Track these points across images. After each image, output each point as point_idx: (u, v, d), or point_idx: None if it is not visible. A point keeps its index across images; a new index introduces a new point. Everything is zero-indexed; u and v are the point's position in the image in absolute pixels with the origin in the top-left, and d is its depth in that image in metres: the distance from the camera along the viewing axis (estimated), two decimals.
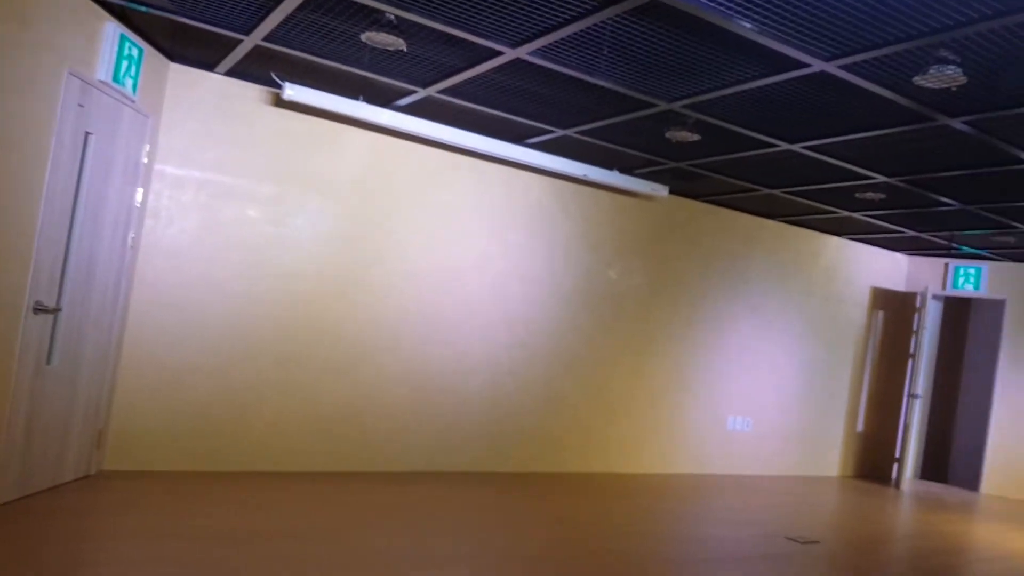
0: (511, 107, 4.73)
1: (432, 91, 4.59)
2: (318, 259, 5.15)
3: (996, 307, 8.15)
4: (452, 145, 5.48)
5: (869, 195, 5.85)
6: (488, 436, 5.86)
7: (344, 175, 5.23)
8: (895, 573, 4.39)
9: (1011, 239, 6.75)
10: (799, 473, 7.67)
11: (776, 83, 3.75)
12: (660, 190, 6.20)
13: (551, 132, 5.21)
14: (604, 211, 6.32)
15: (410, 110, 5.11)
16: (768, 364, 7.38)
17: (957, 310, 8.90)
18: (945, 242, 7.33)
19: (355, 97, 4.96)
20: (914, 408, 7.69)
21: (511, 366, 5.93)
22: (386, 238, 5.38)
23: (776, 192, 6.14)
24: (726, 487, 6.47)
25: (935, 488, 7.97)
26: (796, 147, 4.79)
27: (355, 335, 5.29)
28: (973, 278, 7.98)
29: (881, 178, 5.28)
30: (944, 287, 8.13)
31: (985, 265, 7.94)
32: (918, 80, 3.53)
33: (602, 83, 4.05)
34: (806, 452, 7.71)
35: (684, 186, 6.36)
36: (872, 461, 8.25)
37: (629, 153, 5.50)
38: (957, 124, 4.00)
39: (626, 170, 6.05)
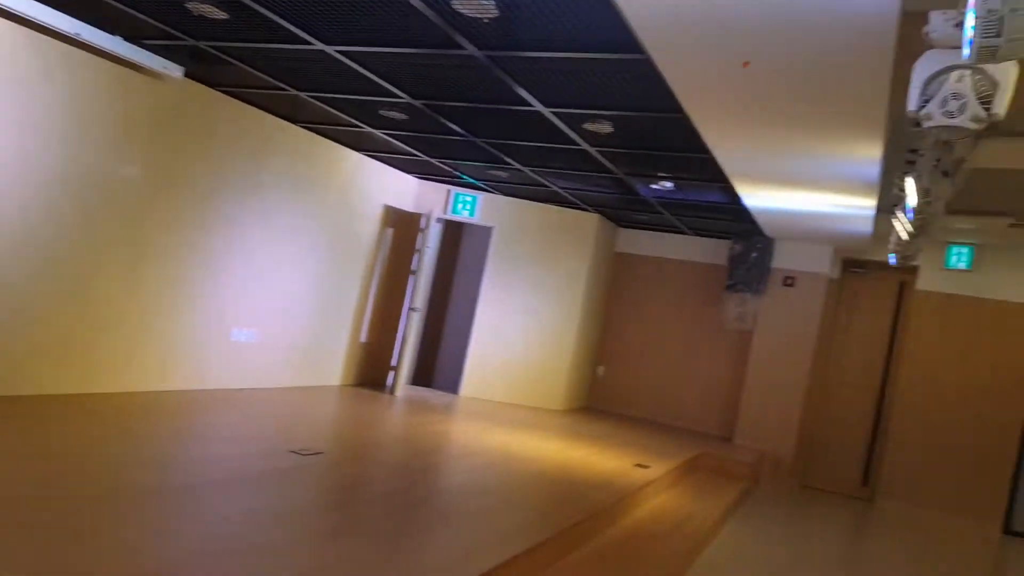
0: None
1: None
2: None
3: (485, 233, 9.24)
4: None
5: (393, 114, 5.94)
6: None
7: None
8: (392, 475, 4.65)
9: (503, 174, 7.62)
10: (304, 384, 7.72)
11: None
12: (174, 70, 5.36)
13: None
14: (101, 84, 5.23)
15: None
16: (277, 274, 7.16)
17: (454, 233, 9.87)
18: (450, 169, 7.95)
19: None
20: (412, 320, 8.33)
21: None
22: None
23: (303, 95, 5.82)
24: (229, 402, 6.15)
25: (424, 392, 8.83)
26: (330, 49, 4.53)
27: None
28: (470, 205, 8.90)
29: (406, 98, 5.37)
30: (446, 211, 8.89)
31: (480, 195, 8.91)
32: (456, 4, 3.56)
33: None
34: (311, 363, 7.79)
35: (203, 70, 5.62)
36: (372, 369, 8.75)
37: (139, 18, 4.58)
38: (481, 56, 4.19)
39: (134, 38, 5.07)
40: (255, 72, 5.37)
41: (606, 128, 5.26)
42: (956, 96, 2.97)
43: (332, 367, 8.12)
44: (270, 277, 7.05)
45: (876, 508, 8.32)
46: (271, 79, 5.49)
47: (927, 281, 8.44)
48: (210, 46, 4.92)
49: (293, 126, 6.99)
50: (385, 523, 3.66)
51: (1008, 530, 7.97)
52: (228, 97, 6.26)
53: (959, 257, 8.23)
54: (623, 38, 3.59)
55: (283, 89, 5.72)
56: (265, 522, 3.39)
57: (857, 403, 8.89)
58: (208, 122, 6.12)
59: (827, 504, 8.21)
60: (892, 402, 8.58)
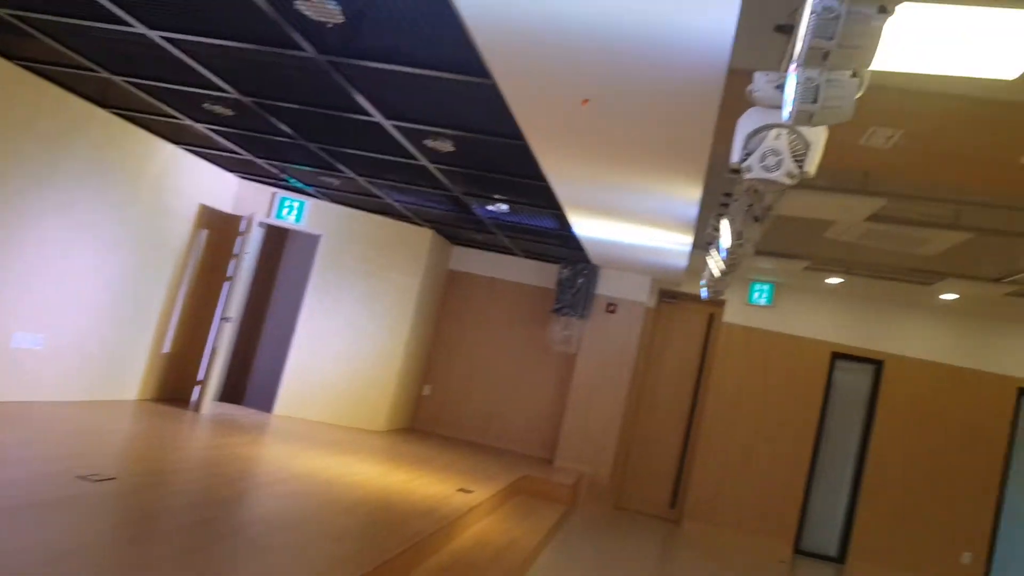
0: None
1: None
2: None
3: (311, 241, 8.85)
4: None
5: (218, 108, 5.55)
6: None
7: None
8: (195, 504, 4.27)
9: (335, 181, 7.36)
10: (97, 398, 6.96)
11: None
12: None
13: None
14: None
15: None
16: (72, 273, 6.42)
17: (276, 239, 9.39)
18: (277, 171, 7.57)
19: None
20: (224, 331, 7.79)
21: None
22: None
23: (116, 79, 5.29)
24: (7, 417, 5.41)
25: (233, 410, 8.27)
26: (154, 34, 4.14)
27: None
28: (296, 211, 8.47)
29: (234, 94, 5.03)
30: (269, 215, 8.44)
31: (308, 200, 8.53)
32: (299, 5, 3.37)
33: None
34: (105, 374, 7.04)
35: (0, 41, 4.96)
36: (175, 383, 8.06)
37: None
38: (321, 60, 4.00)
39: None
40: (63, 49, 4.80)
41: (447, 146, 5.21)
42: (773, 152, 3.19)
43: (129, 380, 7.40)
44: (63, 276, 6.31)
45: (682, 530, 8.81)
46: (81, 58, 4.93)
47: (732, 314, 9.13)
48: (10, 14, 4.33)
49: (101, 110, 6.33)
50: (185, 559, 3.33)
51: (799, 550, 8.73)
52: (27, 72, 5.55)
53: (761, 294, 8.98)
54: (472, 60, 3.55)
55: (94, 71, 5.17)
56: (46, 559, 2.97)
57: (668, 428, 9.41)
58: (0, 98, 5.39)
59: (638, 526, 8.59)
60: (698, 427, 9.16)
